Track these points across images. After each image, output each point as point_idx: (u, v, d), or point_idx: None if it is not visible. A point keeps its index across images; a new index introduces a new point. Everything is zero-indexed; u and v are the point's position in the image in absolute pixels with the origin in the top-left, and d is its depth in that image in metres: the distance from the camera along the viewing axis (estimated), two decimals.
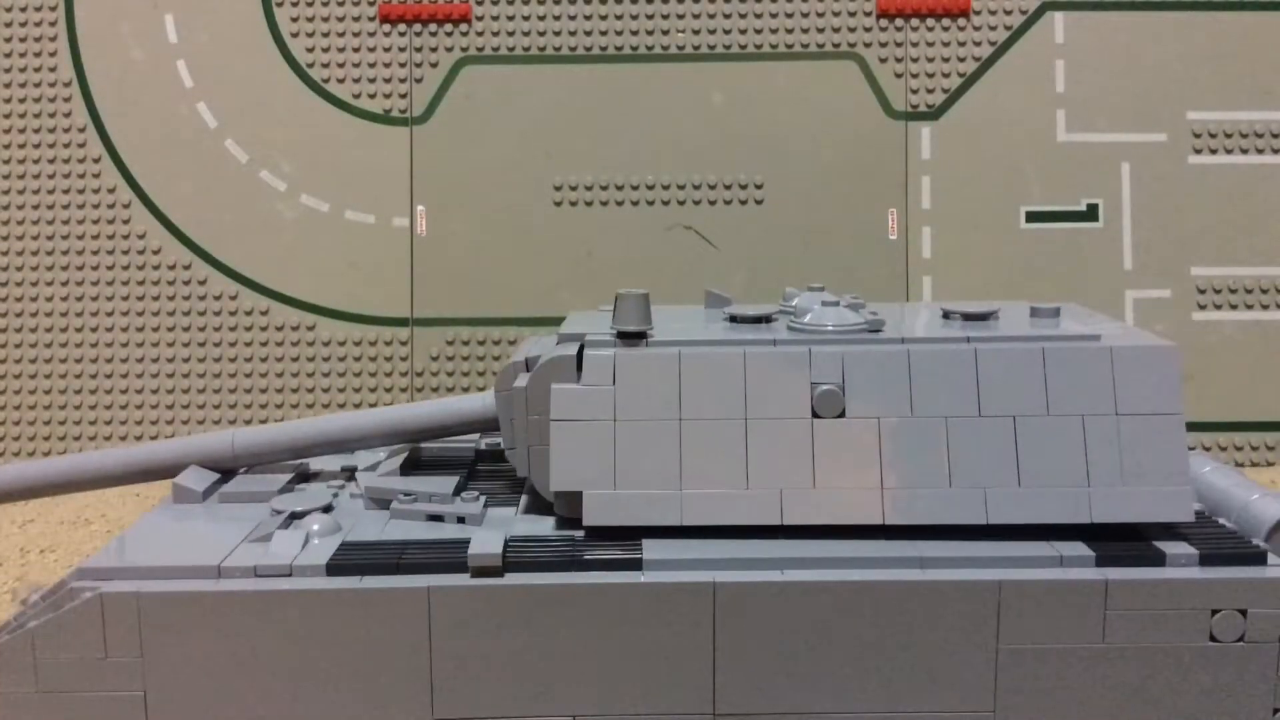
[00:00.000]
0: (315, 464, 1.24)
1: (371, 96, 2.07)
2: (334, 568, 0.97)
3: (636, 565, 0.97)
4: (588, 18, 2.06)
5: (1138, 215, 2.04)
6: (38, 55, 2.06)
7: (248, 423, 2.06)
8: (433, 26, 2.06)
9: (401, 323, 2.07)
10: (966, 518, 1.00)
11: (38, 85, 2.07)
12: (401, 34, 2.07)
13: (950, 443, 1.01)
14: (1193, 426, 2.01)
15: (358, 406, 2.07)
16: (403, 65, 2.07)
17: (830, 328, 1.06)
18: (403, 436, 1.20)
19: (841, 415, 1.01)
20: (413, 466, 1.20)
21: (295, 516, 1.06)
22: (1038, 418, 1.01)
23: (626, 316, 1.06)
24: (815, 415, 1.01)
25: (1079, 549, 0.97)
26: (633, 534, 1.01)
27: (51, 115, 2.07)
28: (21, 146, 2.07)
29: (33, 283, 2.07)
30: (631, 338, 1.06)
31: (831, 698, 0.96)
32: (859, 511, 1.00)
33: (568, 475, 1.02)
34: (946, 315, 1.12)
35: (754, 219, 2.06)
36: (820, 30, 2.05)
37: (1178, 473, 1.00)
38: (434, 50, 2.06)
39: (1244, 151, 2.03)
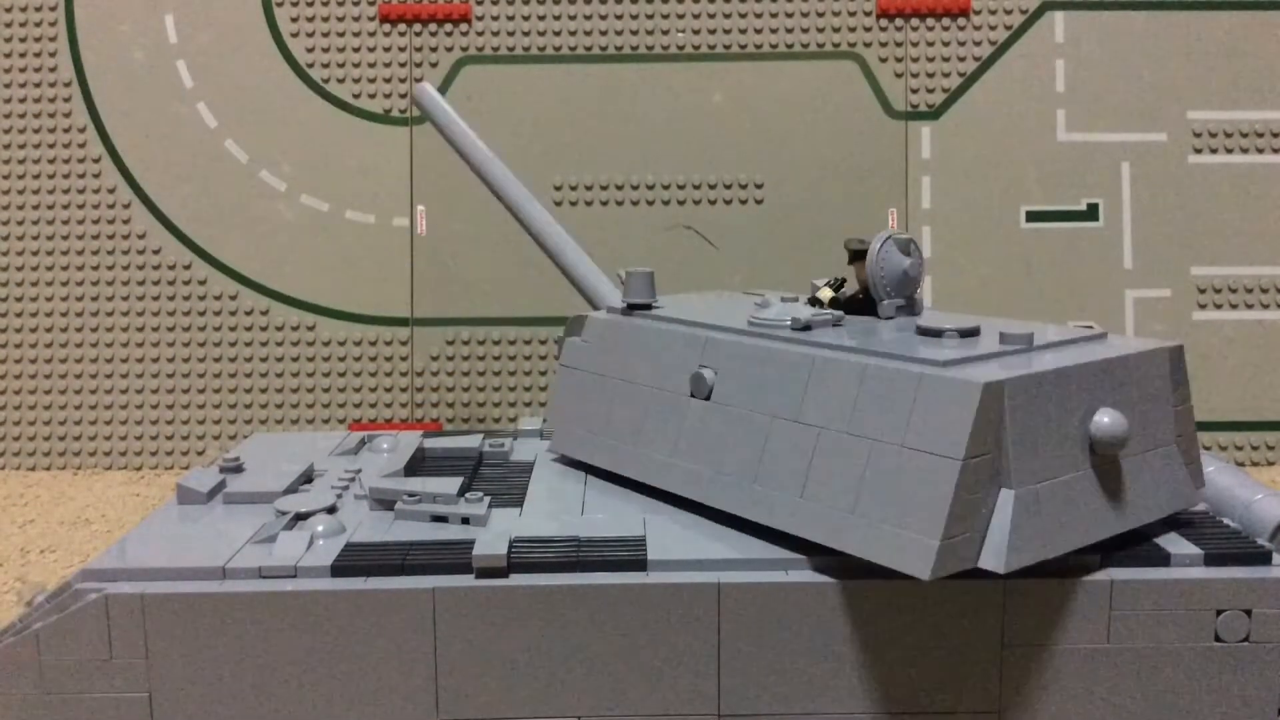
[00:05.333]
0: (319, 465, 1.24)
1: (371, 96, 2.07)
2: (339, 569, 0.97)
3: (641, 566, 0.97)
4: (588, 18, 2.06)
5: (1138, 215, 2.04)
6: (38, 55, 2.06)
7: (247, 423, 2.06)
8: (433, 26, 2.06)
9: (401, 323, 2.07)
10: (758, 516, 1.02)
11: (38, 85, 2.06)
12: (401, 34, 2.07)
13: (769, 441, 1.02)
14: None
15: (358, 407, 2.07)
16: (403, 65, 2.07)
17: (752, 321, 1.12)
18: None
19: (708, 399, 1.09)
20: (417, 467, 1.20)
21: (300, 517, 1.06)
22: (838, 434, 0.97)
23: (634, 290, 1.23)
24: (691, 395, 1.11)
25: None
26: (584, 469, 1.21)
27: (51, 115, 2.07)
28: (21, 146, 2.07)
29: (33, 283, 2.07)
30: (638, 309, 1.23)
31: (836, 698, 0.96)
32: (690, 487, 1.08)
33: (556, 413, 1.26)
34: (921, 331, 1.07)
35: (754, 219, 2.06)
36: (820, 30, 2.06)
37: (932, 522, 0.89)
38: (434, 50, 2.06)
39: (1244, 151, 2.03)
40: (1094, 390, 0.96)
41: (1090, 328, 1.17)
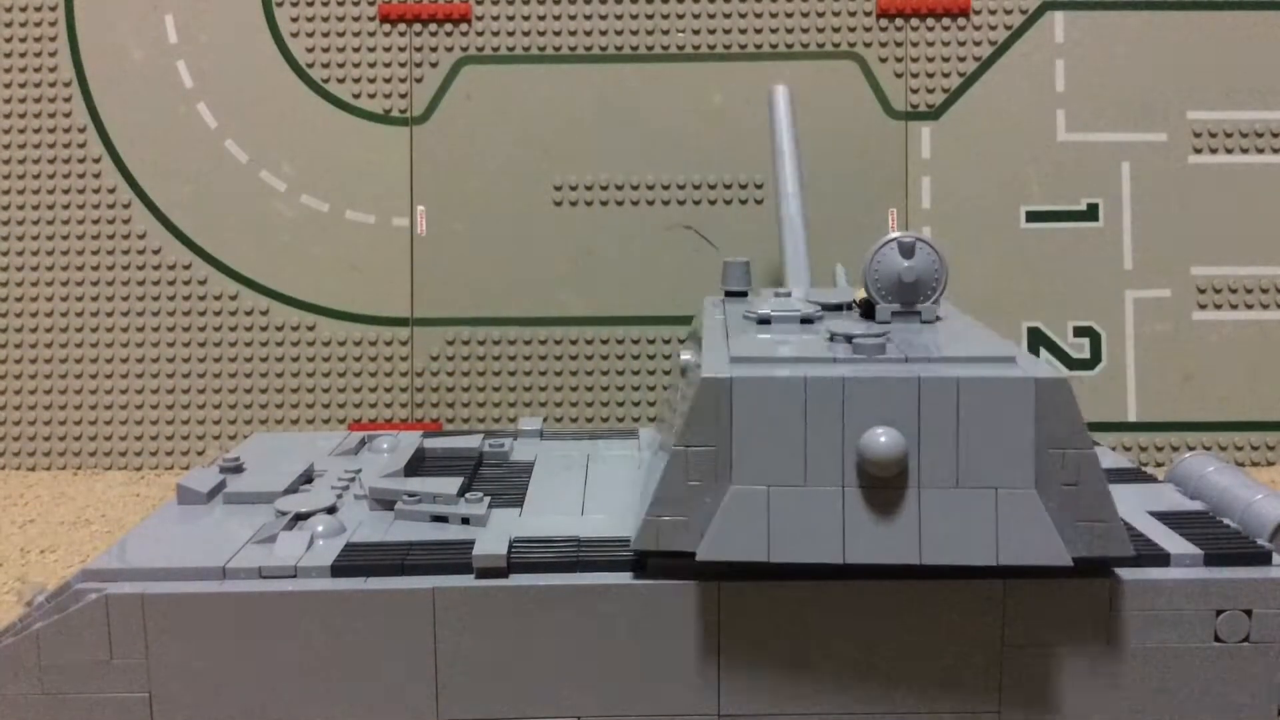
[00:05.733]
0: (320, 465, 1.24)
1: (371, 96, 2.07)
2: (339, 569, 0.97)
3: (641, 566, 0.97)
4: (588, 18, 2.06)
5: (1138, 215, 2.04)
6: (38, 55, 2.06)
7: (247, 423, 2.06)
8: (433, 26, 2.06)
9: (401, 323, 2.06)
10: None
11: (38, 85, 2.06)
12: (401, 34, 2.07)
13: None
14: (1193, 426, 2.03)
15: (358, 407, 2.07)
16: (403, 65, 2.07)
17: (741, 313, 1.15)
18: None
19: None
20: (417, 467, 1.20)
21: (300, 518, 1.06)
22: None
23: (732, 278, 1.31)
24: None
25: None
26: None
27: (51, 115, 2.06)
28: (21, 146, 2.06)
29: (33, 283, 2.07)
30: (735, 295, 1.30)
31: (836, 698, 0.96)
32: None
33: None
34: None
35: (754, 219, 2.06)
36: (820, 30, 2.06)
37: (647, 501, 0.94)
38: (434, 50, 2.06)
39: (1244, 151, 2.03)
40: (879, 408, 0.90)
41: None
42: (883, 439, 0.89)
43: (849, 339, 0.99)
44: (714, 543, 0.92)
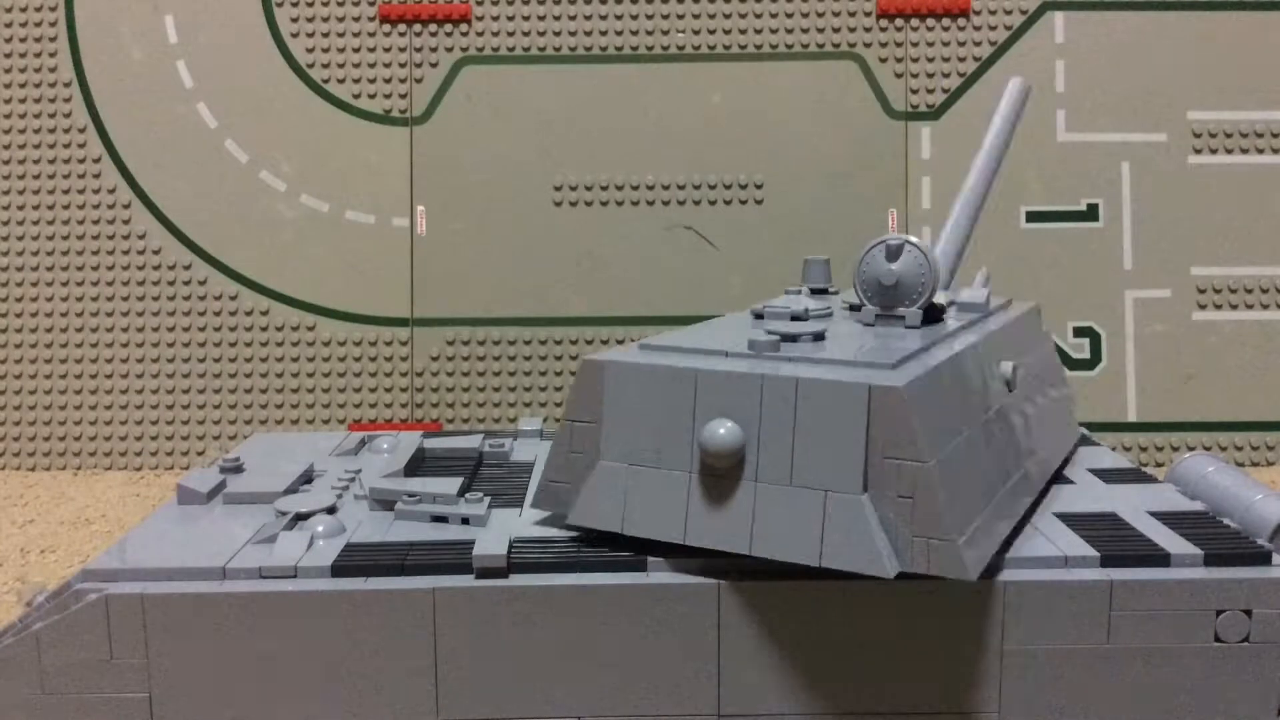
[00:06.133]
0: (320, 465, 1.24)
1: (371, 96, 2.07)
2: (339, 569, 0.96)
3: (641, 566, 0.97)
4: (588, 18, 2.06)
5: (1138, 215, 2.04)
6: (38, 55, 2.06)
7: (247, 423, 2.06)
8: (433, 26, 2.06)
9: (401, 323, 2.07)
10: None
11: (38, 85, 2.06)
12: (401, 34, 2.07)
13: None
14: (1193, 426, 2.03)
15: (358, 407, 2.07)
16: (403, 65, 2.07)
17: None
18: None
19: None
20: (417, 467, 1.20)
21: (300, 518, 1.06)
22: None
23: (812, 276, 1.31)
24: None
25: (1084, 549, 0.97)
26: None
27: (51, 115, 2.07)
28: (21, 147, 2.07)
29: (33, 283, 2.07)
30: (818, 293, 1.30)
31: (836, 699, 0.96)
32: None
33: None
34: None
35: (754, 219, 2.06)
36: (820, 30, 2.06)
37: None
38: (434, 50, 2.06)
39: (1244, 151, 2.03)
40: (726, 401, 0.93)
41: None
42: (720, 431, 0.92)
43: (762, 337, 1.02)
44: (581, 511, 1.00)
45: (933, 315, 1.15)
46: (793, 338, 1.03)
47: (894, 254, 1.10)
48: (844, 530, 0.89)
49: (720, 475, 0.93)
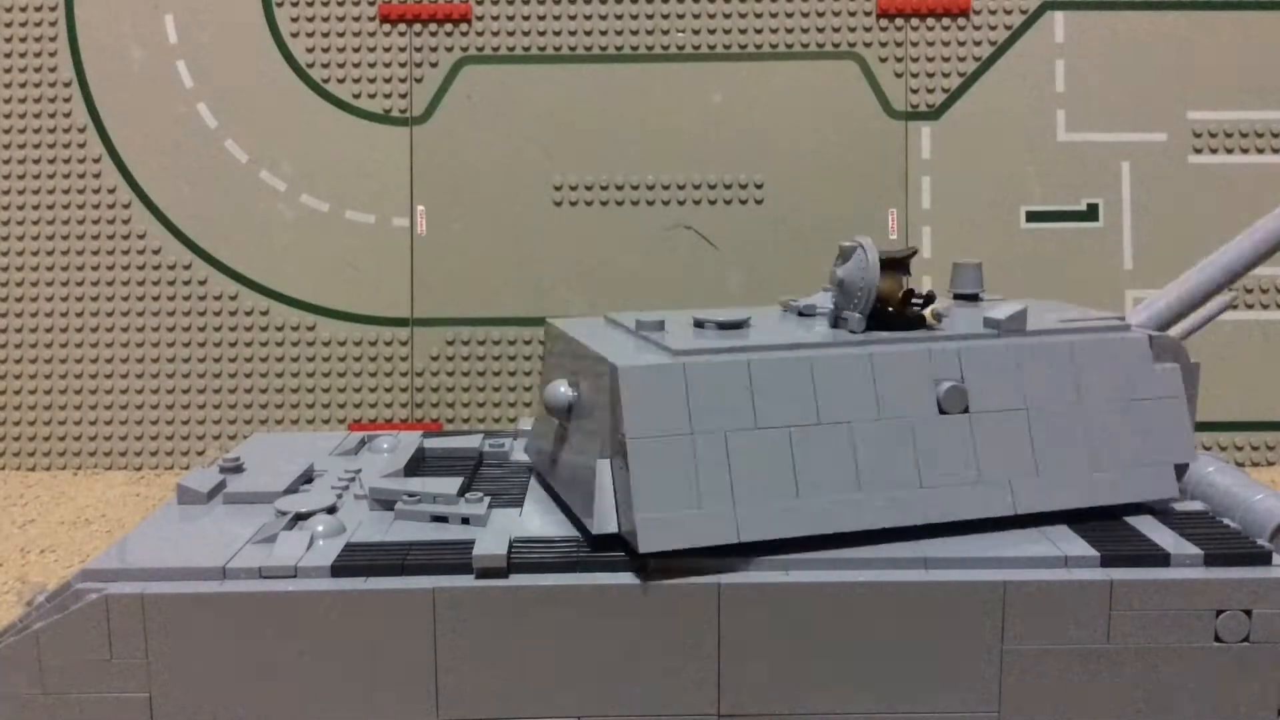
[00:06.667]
0: (320, 465, 1.24)
1: (371, 96, 2.07)
2: (339, 569, 0.96)
3: (641, 566, 0.97)
4: (588, 18, 2.06)
5: (1138, 215, 2.04)
6: (38, 55, 2.06)
7: (247, 423, 2.06)
8: (433, 26, 2.06)
9: (401, 323, 2.07)
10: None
11: (38, 85, 2.06)
12: (401, 34, 2.07)
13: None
14: (1194, 426, 2.03)
15: (358, 407, 2.07)
16: (403, 65, 2.07)
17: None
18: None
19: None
20: (417, 467, 1.20)
21: (300, 518, 1.05)
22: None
23: (961, 281, 1.28)
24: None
25: (1084, 549, 0.97)
26: None
27: (51, 115, 2.07)
28: (21, 146, 2.07)
29: (33, 283, 2.07)
30: (964, 299, 1.27)
31: (836, 698, 0.96)
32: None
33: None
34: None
35: (754, 219, 2.06)
36: (820, 30, 2.06)
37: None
38: (434, 50, 2.06)
39: (1244, 151, 2.03)
40: (578, 371, 1.08)
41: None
42: (558, 389, 1.08)
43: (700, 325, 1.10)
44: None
45: (906, 323, 1.09)
46: (734, 325, 1.08)
47: (845, 256, 1.07)
48: (595, 489, 1.00)
49: (560, 425, 1.10)
